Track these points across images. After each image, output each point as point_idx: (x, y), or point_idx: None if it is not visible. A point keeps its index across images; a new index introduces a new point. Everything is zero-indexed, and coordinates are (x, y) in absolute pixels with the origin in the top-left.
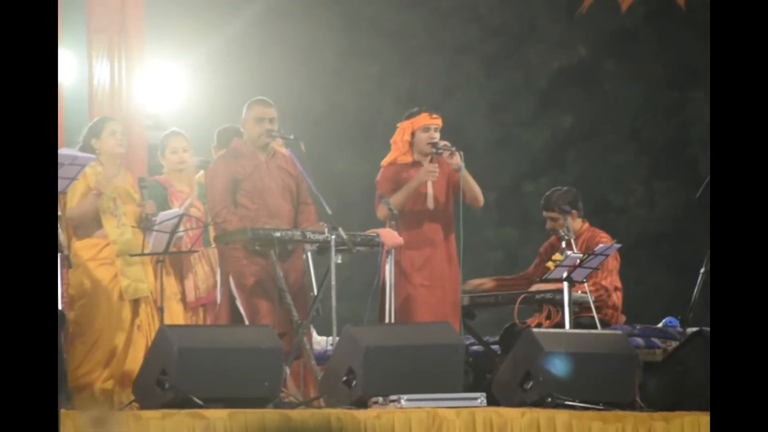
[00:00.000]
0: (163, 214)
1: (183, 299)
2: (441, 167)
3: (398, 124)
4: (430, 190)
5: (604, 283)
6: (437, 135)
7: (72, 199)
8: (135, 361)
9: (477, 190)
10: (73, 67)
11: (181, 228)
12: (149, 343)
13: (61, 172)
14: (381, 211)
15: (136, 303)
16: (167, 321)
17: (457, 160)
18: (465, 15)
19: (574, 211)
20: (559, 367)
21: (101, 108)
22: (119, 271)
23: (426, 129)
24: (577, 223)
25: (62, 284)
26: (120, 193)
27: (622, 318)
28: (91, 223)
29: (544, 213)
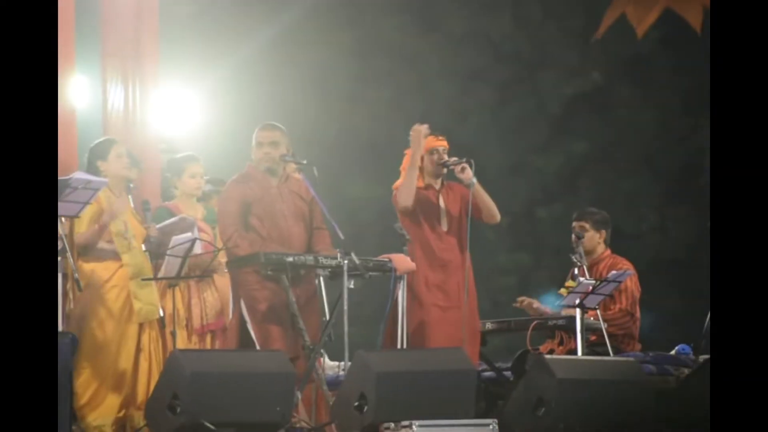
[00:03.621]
0: (176, 239)
1: (188, 325)
2: (454, 190)
3: (405, 151)
4: (443, 209)
5: (629, 309)
6: (445, 156)
7: (81, 224)
8: (141, 385)
9: (492, 205)
10: (87, 92)
11: (193, 252)
12: (152, 367)
13: (74, 195)
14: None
15: (140, 326)
16: (171, 347)
17: (469, 174)
18: (478, 40)
19: (603, 231)
20: None
21: (115, 131)
22: (132, 294)
23: (433, 152)
24: (600, 248)
25: (66, 306)
26: (129, 215)
27: (638, 346)
28: (97, 246)
29: (575, 223)
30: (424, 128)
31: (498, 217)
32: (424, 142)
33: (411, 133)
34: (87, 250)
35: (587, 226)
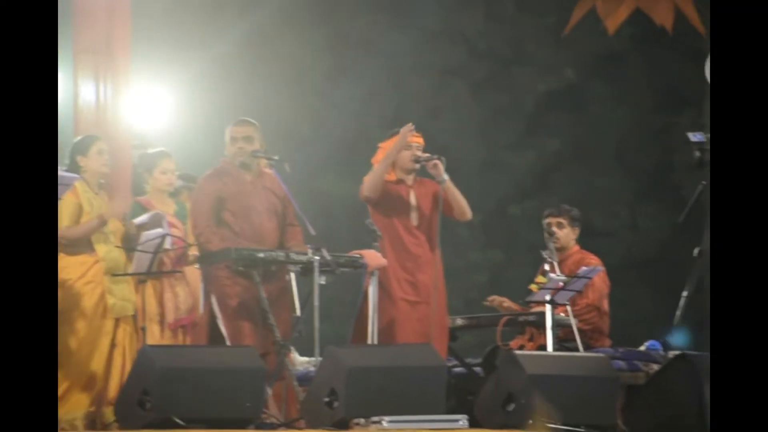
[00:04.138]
0: (146, 234)
1: (161, 321)
2: (425, 186)
3: (380, 145)
4: (413, 204)
5: (596, 304)
6: (418, 152)
7: (61, 218)
8: (114, 380)
9: (463, 202)
10: (59, 87)
11: (164, 248)
12: (125, 363)
13: None
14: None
15: (116, 322)
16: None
17: (440, 170)
18: (453, 37)
19: (576, 228)
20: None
21: (87, 127)
22: (106, 290)
23: (408, 147)
24: (570, 243)
25: None
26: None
27: (608, 342)
28: (82, 242)
29: (550, 219)
30: (411, 127)
31: (469, 214)
32: (407, 141)
33: (401, 130)
34: (69, 246)
35: (564, 222)
